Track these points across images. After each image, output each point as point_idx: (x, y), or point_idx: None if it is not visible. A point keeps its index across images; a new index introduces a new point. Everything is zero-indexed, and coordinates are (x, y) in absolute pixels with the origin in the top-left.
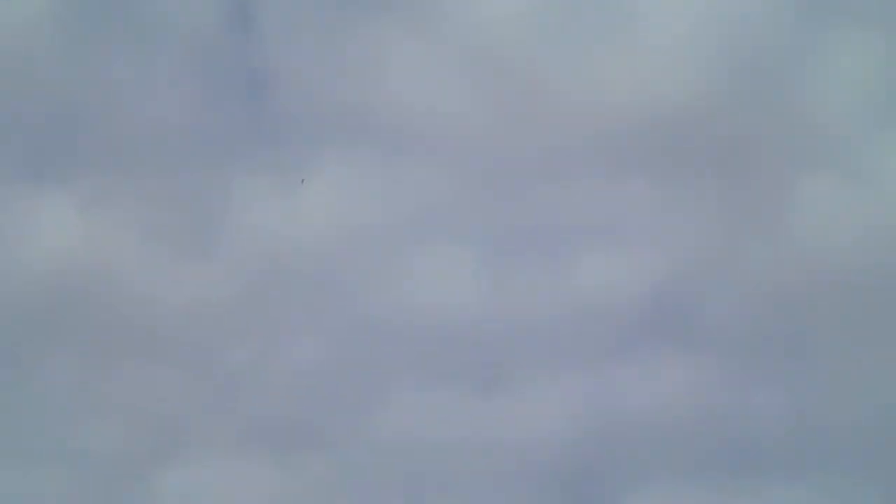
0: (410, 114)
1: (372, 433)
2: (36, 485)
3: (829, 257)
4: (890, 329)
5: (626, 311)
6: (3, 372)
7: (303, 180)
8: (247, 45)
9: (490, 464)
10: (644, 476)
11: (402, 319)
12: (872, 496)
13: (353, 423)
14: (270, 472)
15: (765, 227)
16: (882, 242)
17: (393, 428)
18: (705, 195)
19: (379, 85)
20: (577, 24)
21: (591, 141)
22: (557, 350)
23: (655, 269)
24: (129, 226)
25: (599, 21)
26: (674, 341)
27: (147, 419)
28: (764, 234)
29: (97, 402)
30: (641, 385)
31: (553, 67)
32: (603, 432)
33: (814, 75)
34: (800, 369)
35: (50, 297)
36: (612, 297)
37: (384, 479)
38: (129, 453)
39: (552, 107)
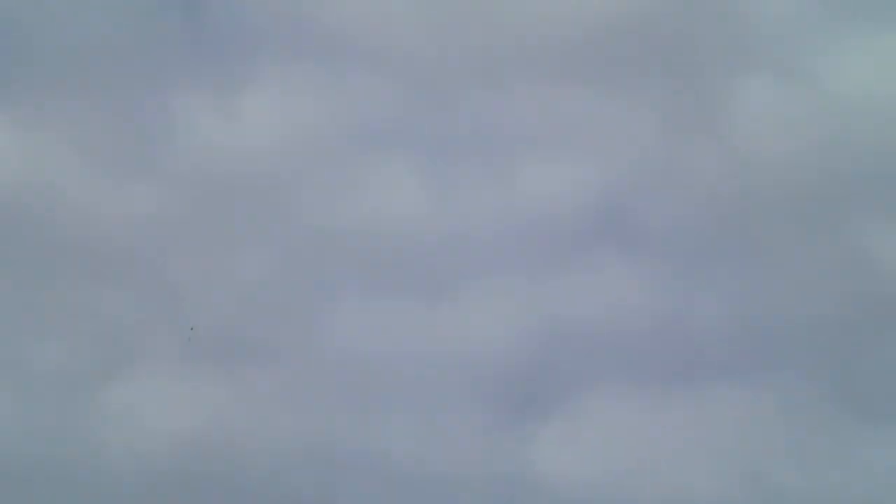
0: (351, 24)
1: (318, 346)
2: None
3: (770, 162)
4: (829, 232)
5: (571, 220)
6: None
7: None
8: None
9: (437, 374)
10: (590, 382)
11: (346, 231)
12: (815, 395)
13: (300, 336)
14: (217, 386)
15: (707, 133)
16: (823, 146)
17: (339, 340)
18: (648, 103)
19: None
20: None
21: (535, 51)
22: (503, 259)
23: (599, 177)
24: (68, 144)
25: None
26: (618, 249)
27: (91, 335)
28: (707, 140)
29: (41, 319)
30: (586, 292)
31: None
32: (548, 340)
33: None
34: (742, 274)
35: None
36: (556, 206)
37: (331, 391)
38: (74, 369)
39: (495, 16)
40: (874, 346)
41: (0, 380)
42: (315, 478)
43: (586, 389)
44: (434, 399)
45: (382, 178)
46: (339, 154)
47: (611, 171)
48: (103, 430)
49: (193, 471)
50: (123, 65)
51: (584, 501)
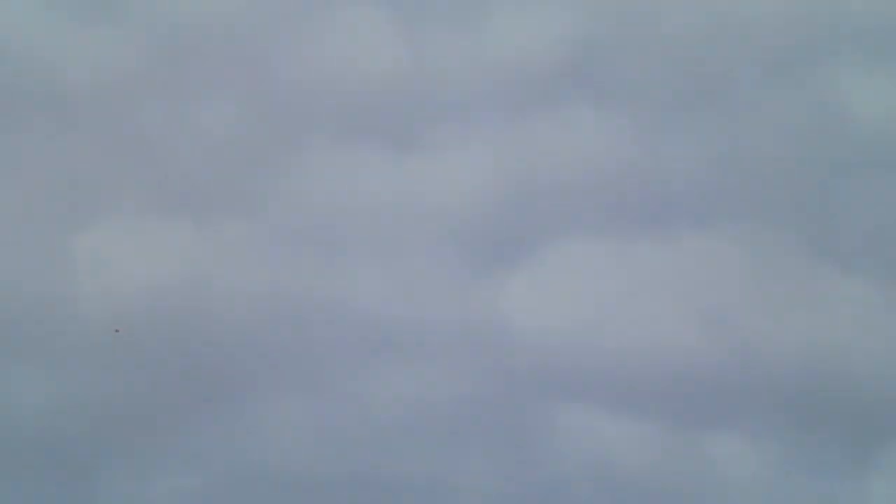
0: None
1: (289, 195)
2: None
3: (738, 10)
4: (799, 79)
5: (541, 69)
6: None
7: None
8: None
9: (407, 223)
10: (558, 230)
11: (316, 80)
12: (783, 242)
13: (271, 186)
14: (188, 236)
15: None
16: None
17: (310, 189)
18: None
19: None
20: None
21: None
22: (474, 109)
23: (572, 28)
24: None
25: None
26: (588, 98)
27: (62, 185)
28: None
29: (10, 169)
30: (556, 141)
31: None
32: (518, 188)
33: None
34: (712, 123)
35: None
36: (527, 55)
37: (302, 240)
38: (46, 218)
39: None
40: (843, 194)
41: None
42: (286, 326)
43: (555, 238)
44: (404, 247)
45: (353, 27)
46: (309, 2)
47: (583, 21)
48: (75, 278)
49: (165, 319)
50: None
51: (552, 348)
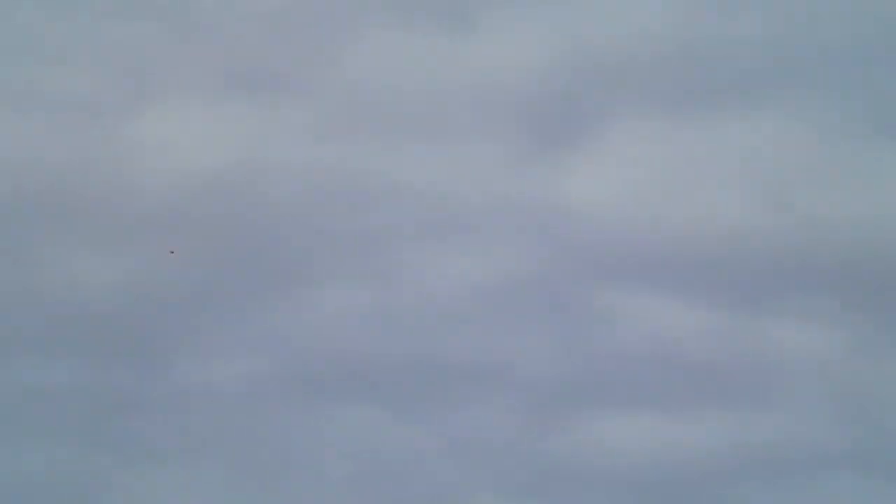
0: None
1: (345, 77)
2: (11, 130)
3: None
4: None
5: None
6: None
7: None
8: None
9: (464, 103)
10: (617, 108)
11: None
12: (845, 117)
13: (327, 68)
14: (245, 118)
15: None
16: None
17: (366, 71)
18: None
19: None
20: None
21: None
22: None
23: None
24: None
25: None
26: None
27: (120, 68)
28: None
29: (69, 50)
30: (613, 17)
31: None
32: (574, 66)
33: None
34: None
35: None
36: None
37: (359, 122)
38: (104, 101)
39: None
40: None
41: (31, 110)
42: (344, 209)
43: (615, 116)
44: (462, 128)
45: None
46: None
47: None
48: (134, 161)
49: (225, 203)
50: None
51: (613, 229)
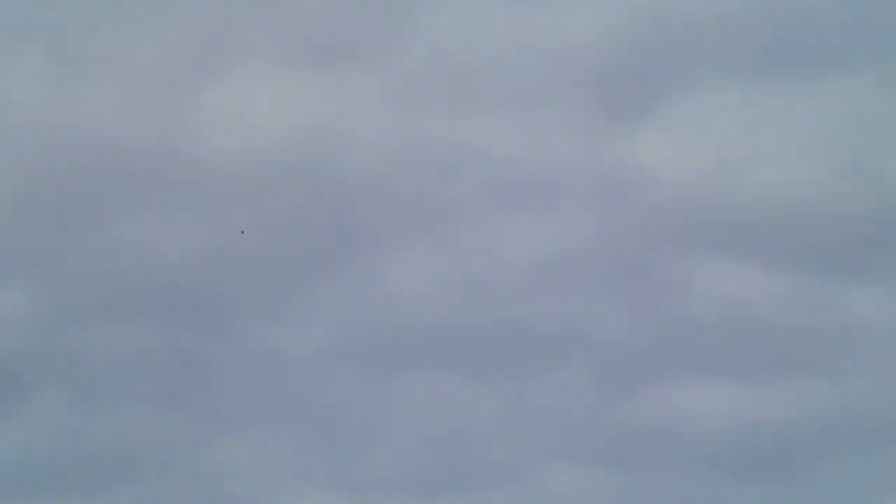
0: None
1: (418, 46)
2: (85, 101)
3: None
4: None
5: None
6: None
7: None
8: None
9: (537, 72)
10: (690, 76)
11: None
12: None
13: (399, 37)
14: (318, 86)
15: None
16: None
17: (439, 40)
18: None
19: None
20: None
21: None
22: None
23: None
24: None
25: None
26: None
27: (193, 36)
28: None
29: (143, 22)
30: None
31: None
32: (653, 32)
33: None
34: None
35: None
36: None
37: (431, 90)
38: (177, 69)
39: None
40: None
41: (105, 81)
42: (417, 176)
43: (691, 83)
44: (536, 95)
45: None
46: None
47: None
48: (207, 127)
49: (296, 169)
50: None
51: (687, 195)
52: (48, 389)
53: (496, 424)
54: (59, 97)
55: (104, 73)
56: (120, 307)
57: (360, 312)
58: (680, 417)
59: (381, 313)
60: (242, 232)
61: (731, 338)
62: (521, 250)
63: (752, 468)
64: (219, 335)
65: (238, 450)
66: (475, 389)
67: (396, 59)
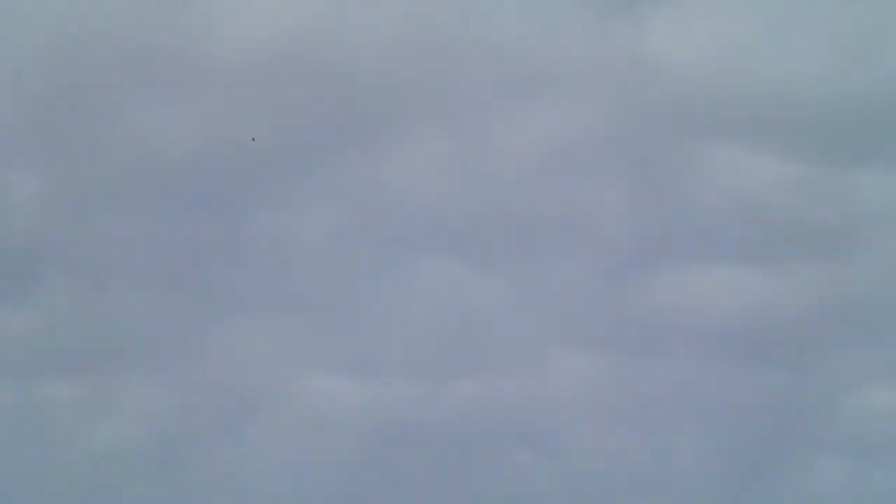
0: None
1: None
2: None
3: None
4: None
5: None
6: None
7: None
8: None
9: None
10: None
11: None
12: None
13: None
14: None
15: None
16: None
17: None
18: None
19: None
20: None
21: None
22: None
23: None
24: None
25: None
26: None
27: None
28: None
29: None
30: None
31: None
32: None
33: None
34: None
35: None
36: None
37: None
38: None
39: None
40: None
41: None
42: (424, 64)
43: None
44: None
45: None
46: None
47: None
48: (213, 17)
49: (306, 54)
50: None
51: (695, 82)
52: (57, 273)
53: (503, 310)
54: None
55: None
56: (128, 192)
57: (366, 198)
58: (688, 303)
59: (387, 200)
60: (253, 139)
61: (740, 224)
62: (531, 137)
63: (760, 353)
64: (225, 220)
65: (243, 334)
66: (482, 276)
67: None
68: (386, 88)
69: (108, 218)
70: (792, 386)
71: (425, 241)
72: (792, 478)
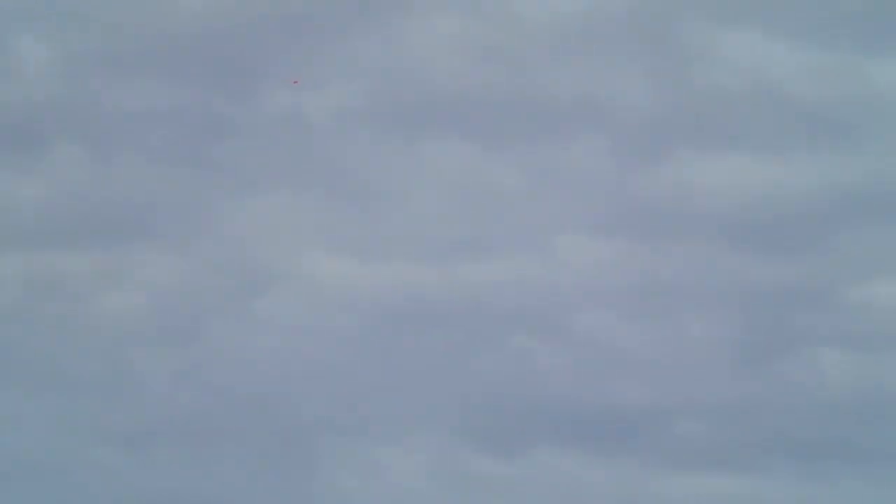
0: None
1: None
2: None
3: None
4: None
5: None
6: None
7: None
8: None
9: None
10: None
11: None
12: None
13: None
14: None
15: None
16: None
17: None
18: None
19: None
20: None
21: None
22: None
23: None
24: None
25: None
26: None
27: None
28: None
29: None
30: None
31: None
32: None
33: None
34: None
35: None
36: None
37: None
38: None
39: None
40: None
41: None
42: None
43: None
44: None
45: None
46: None
47: None
48: None
49: None
50: None
51: None
52: (67, 143)
53: (513, 194)
54: None
55: None
56: (141, 62)
57: (380, 77)
58: (699, 188)
59: (401, 79)
60: (295, 82)
61: (753, 109)
62: (543, 15)
63: (768, 242)
64: (239, 95)
65: (253, 211)
66: (494, 158)
67: None
68: None
69: (120, 90)
70: (799, 276)
71: (437, 122)
72: (795, 367)
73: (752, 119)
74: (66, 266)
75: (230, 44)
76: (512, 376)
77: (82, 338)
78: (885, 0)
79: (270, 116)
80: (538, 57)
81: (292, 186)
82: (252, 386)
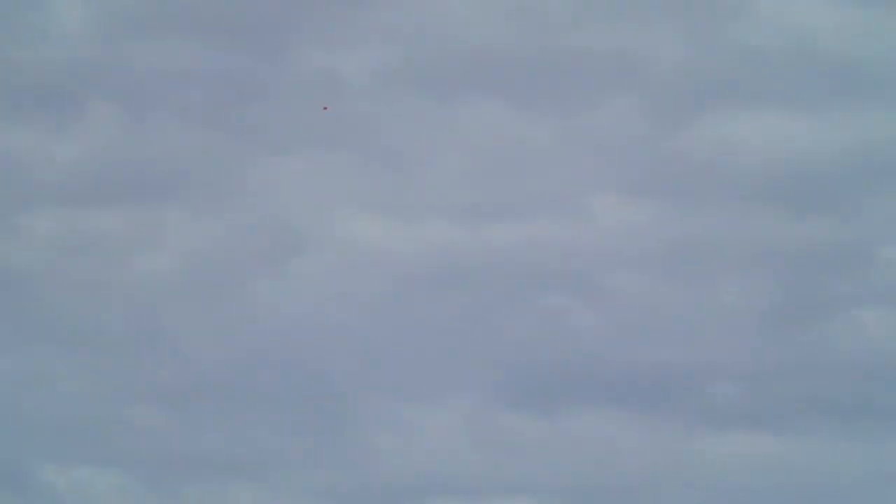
0: None
1: None
2: None
3: None
4: None
5: None
6: None
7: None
8: None
9: None
10: None
11: None
12: None
13: None
14: None
15: None
16: None
17: None
18: None
19: None
20: None
21: None
22: None
23: None
24: None
25: None
26: None
27: None
28: None
29: None
30: None
31: None
32: None
33: None
34: None
35: None
36: None
37: None
38: None
39: None
40: None
41: None
42: None
43: None
44: None
45: None
46: None
47: None
48: None
49: None
50: None
51: None
52: (102, 103)
53: (546, 153)
54: None
55: None
56: (176, 24)
57: (413, 37)
58: (734, 148)
59: (432, 39)
60: (325, 108)
61: (790, 67)
62: None
63: (803, 202)
64: (272, 56)
65: (287, 172)
66: (526, 118)
67: None
68: None
69: (155, 51)
70: (834, 233)
71: (469, 82)
72: (832, 327)
73: (789, 77)
74: (100, 225)
75: (265, 5)
76: (546, 337)
77: (116, 297)
78: None
79: (304, 78)
80: (571, 15)
81: (323, 147)
82: (286, 346)
